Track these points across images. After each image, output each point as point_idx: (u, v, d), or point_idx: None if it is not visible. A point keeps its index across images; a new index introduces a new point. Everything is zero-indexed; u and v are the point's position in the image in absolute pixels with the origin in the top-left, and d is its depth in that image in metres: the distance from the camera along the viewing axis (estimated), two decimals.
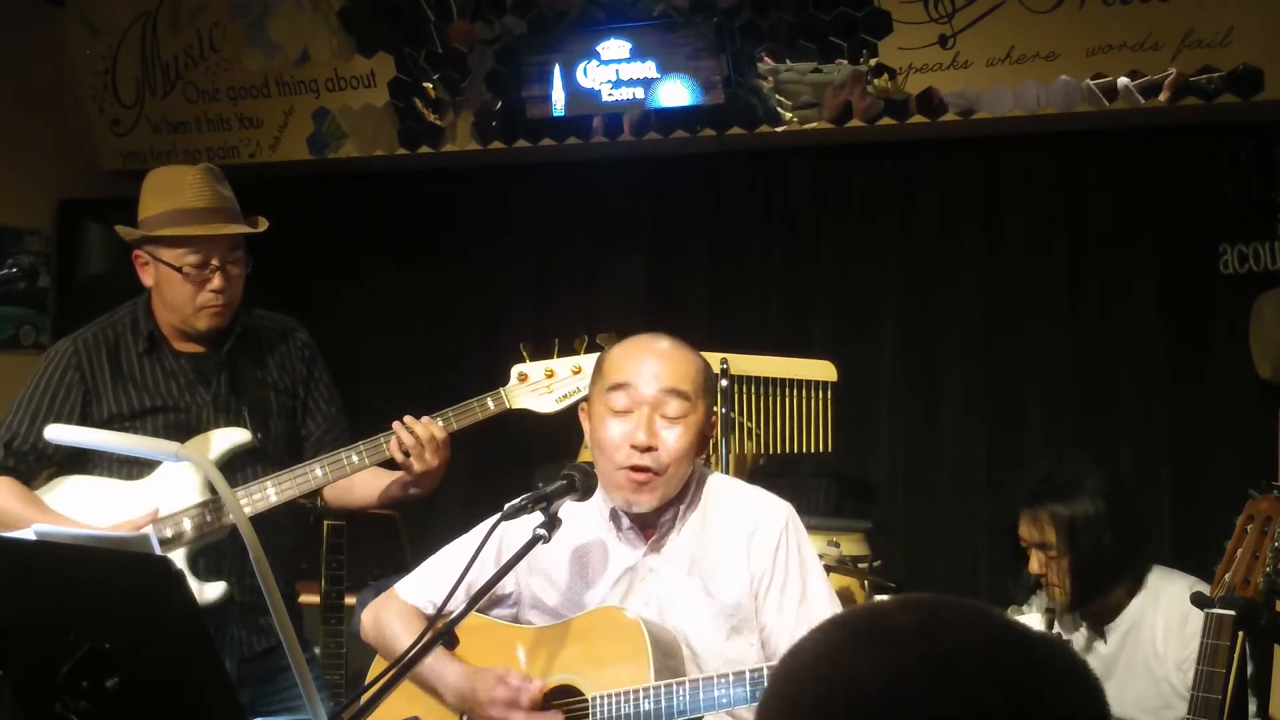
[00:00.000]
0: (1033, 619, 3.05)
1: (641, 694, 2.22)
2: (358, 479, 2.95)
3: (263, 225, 2.89)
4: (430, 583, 2.50)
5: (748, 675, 2.18)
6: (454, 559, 2.48)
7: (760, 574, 2.37)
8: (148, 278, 2.88)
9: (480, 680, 2.34)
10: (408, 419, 2.77)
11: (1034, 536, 2.99)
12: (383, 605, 2.55)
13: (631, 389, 2.32)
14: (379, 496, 2.96)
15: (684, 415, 2.30)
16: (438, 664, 2.38)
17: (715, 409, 2.42)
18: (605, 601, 2.38)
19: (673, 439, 2.30)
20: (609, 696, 2.26)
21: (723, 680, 2.19)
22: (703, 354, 2.49)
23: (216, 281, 2.82)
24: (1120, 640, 3.00)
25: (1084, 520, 2.93)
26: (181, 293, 2.83)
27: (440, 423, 2.79)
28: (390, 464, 2.85)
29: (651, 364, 2.33)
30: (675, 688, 2.21)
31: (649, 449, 2.29)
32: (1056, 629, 3.07)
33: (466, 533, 2.52)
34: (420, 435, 2.74)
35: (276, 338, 3.02)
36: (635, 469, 2.30)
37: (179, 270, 2.81)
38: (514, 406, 2.87)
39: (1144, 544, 3.05)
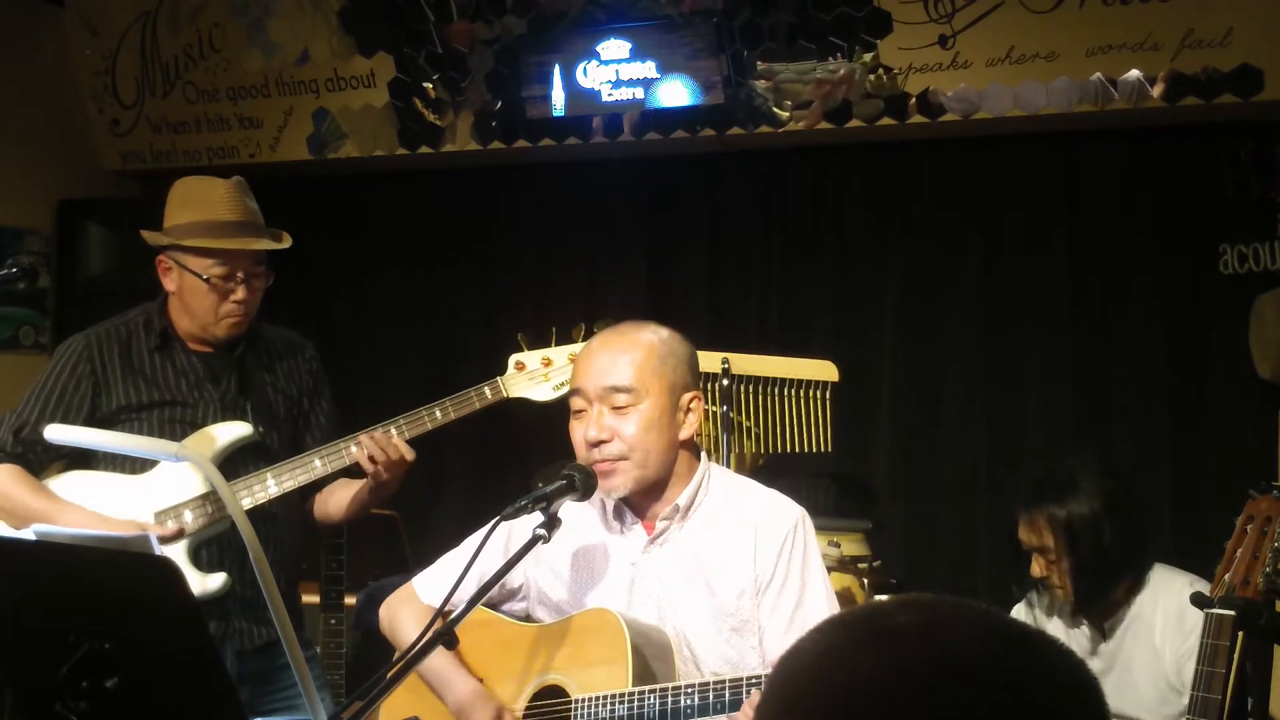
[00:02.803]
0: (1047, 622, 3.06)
1: (616, 699, 2.25)
2: (331, 490, 3.00)
3: (287, 241, 2.96)
4: (445, 579, 2.51)
5: (712, 685, 2.20)
6: (469, 555, 2.50)
7: (763, 574, 2.37)
8: (170, 283, 2.93)
9: (479, 707, 2.37)
10: (364, 436, 2.82)
11: (1033, 540, 2.98)
12: (398, 601, 2.59)
13: (582, 391, 2.40)
14: (347, 507, 2.99)
15: (631, 404, 2.36)
16: (448, 673, 2.41)
17: (689, 385, 2.42)
18: (608, 599, 2.40)
19: (623, 426, 2.36)
20: (589, 700, 2.28)
21: (689, 690, 2.20)
22: (701, 352, 2.50)
23: (240, 294, 2.88)
24: (1120, 638, 3.00)
25: (1080, 521, 2.92)
26: (205, 302, 2.88)
27: (396, 433, 2.83)
28: (356, 473, 2.90)
29: (593, 364, 2.40)
30: (646, 695, 2.22)
31: (599, 443, 2.36)
32: (1057, 623, 3.08)
33: (479, 530, 2.53)
34: (383, 446, 2.78)
35: (286, 350, 3.09)
36: (596, 462, 2.36)
37: (205, 280, 2.85)
38: (511, 396, 2.90)
39: (1145, 540, 3.05)
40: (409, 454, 2.81)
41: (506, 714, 2.36)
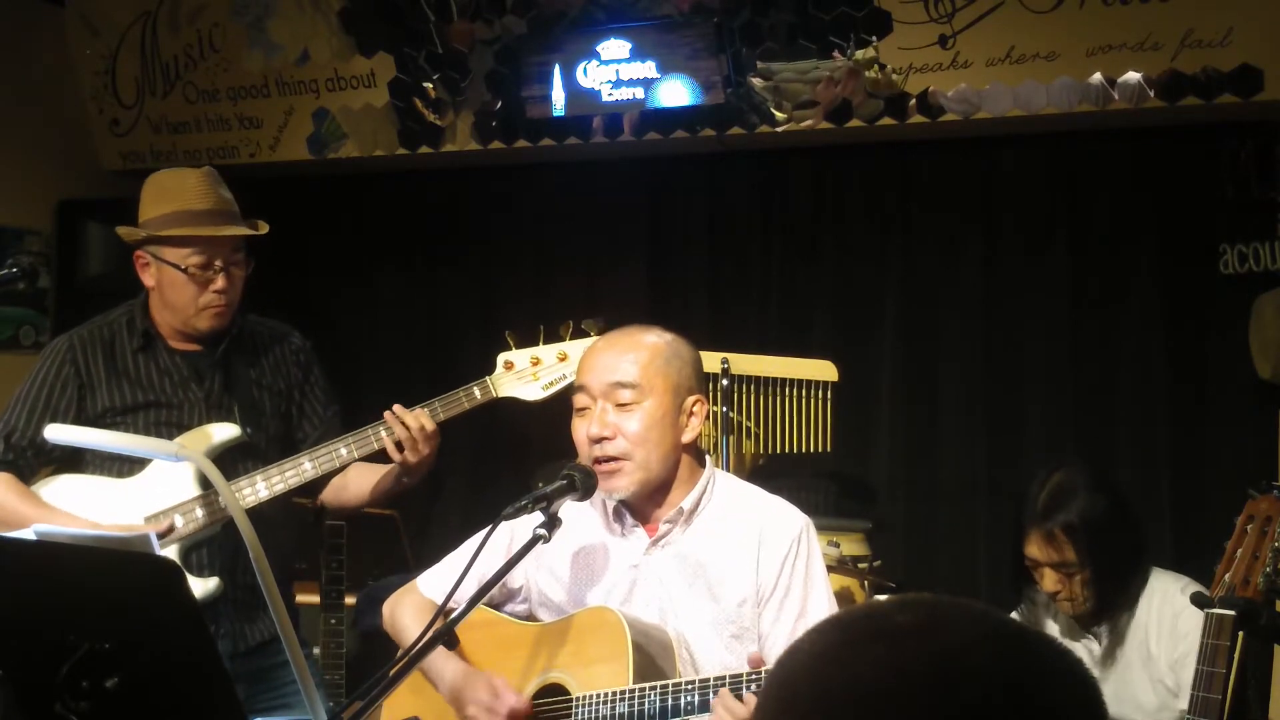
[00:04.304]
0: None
1: (616, 697, 2.24)
2: (351, 477, 2.97)
3: (263, 229, 2.94)
4: (449, 579, 2.51)
5: (712, 683, 2.19)
6: (471, 555, 2.50)
7: (765, 582, 2.37)
8: (149, 279, 2.91)
9: (472, 682, 2.37)
10: (398, 409, 2.81)
11: (1052, 555, 2.91)
12: (400, 598, 2.59)
13: (586, 388, 2.40)
14: (371, 492, 2.98)
15: (634, 401, 2.35)
16: (438, 660, 2.40)
17: (693, 388, 2.41)
18: (608, 600, 2.39)
19: (626, 424, 2.35)
20: (589, 698, 2.28)
21: (689, 687, 2.20)
22: (701, 352, 2.51)
23: (219, 282, 2.86)
24: (1118, 643, 2.99)
25: (1096, 524, 2.89)
26: (184, 293, 2.86)
27: (428, 413, 2.82)
28: (379, 458, 2.88)
29: (598, 361, 2.40)
30: (646, 693, 2.22)
31: (601, 440, 2.35)
32: (1053, 628, 3.07)
33: (480, 530, 2.53)
34: (411, 427, 2.77)
35: (271, 341, 3.05)
36: (598, 460, 2.35)
37: (183, 270, 2.83)
38: (500, 395, 2.89)
39: (1146, 537, 3.06)
40: (430, 423, 2.79)
41: (499, 681, 2.34)
